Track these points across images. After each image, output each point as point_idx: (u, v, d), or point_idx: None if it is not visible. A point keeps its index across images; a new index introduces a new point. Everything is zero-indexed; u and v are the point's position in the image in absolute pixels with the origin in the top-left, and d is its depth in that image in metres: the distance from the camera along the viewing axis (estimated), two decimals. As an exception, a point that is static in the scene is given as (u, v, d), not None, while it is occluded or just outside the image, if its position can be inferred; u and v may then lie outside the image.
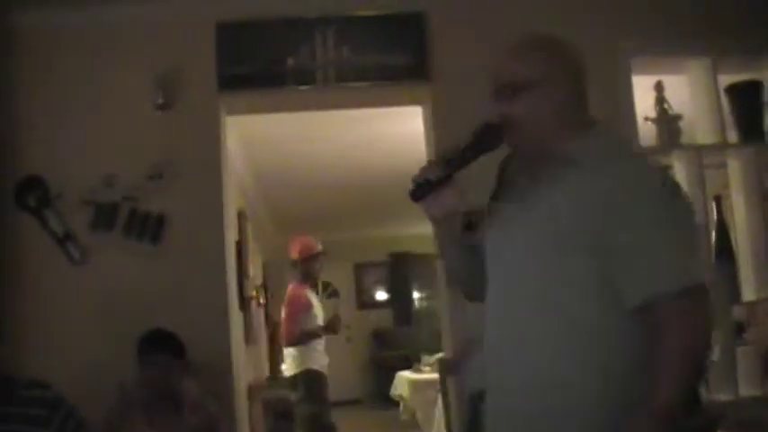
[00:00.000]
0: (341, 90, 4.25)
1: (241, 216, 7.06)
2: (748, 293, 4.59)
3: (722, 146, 4.43)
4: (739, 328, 4.97)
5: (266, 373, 8.71)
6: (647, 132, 4.43)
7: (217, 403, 3.68)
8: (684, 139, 4.50)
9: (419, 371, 8.06)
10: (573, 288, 1.89)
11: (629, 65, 4.31)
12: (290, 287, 6.52)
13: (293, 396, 6.33)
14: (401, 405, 8.05)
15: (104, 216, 4.03)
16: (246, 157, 6.97)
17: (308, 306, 6.35)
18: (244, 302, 6.66)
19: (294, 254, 6.56)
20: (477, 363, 3.85)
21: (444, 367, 4.31)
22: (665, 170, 2.51)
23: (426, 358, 8.14)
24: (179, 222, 4.06)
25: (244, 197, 7.59)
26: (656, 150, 4.46)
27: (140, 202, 4.04)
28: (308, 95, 4.27)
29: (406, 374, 8.23)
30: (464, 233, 2.12)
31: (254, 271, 8.62)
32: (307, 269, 6.53)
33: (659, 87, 4.48)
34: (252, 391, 5.96)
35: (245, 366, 5.50)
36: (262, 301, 9.08)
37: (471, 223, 2.11)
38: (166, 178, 4.05)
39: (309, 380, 6.22)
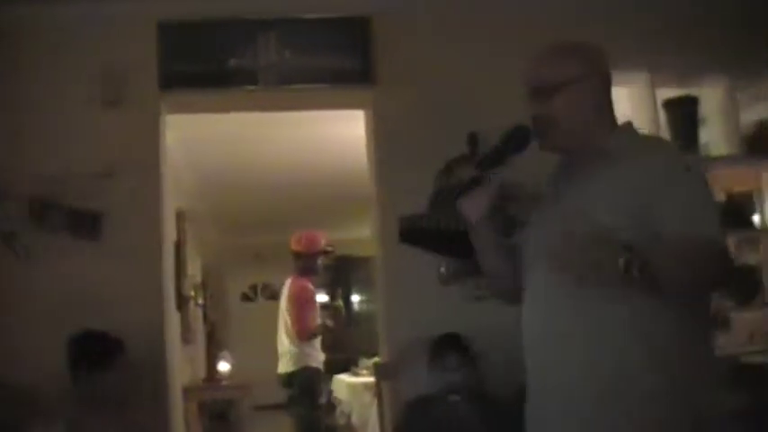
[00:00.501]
0: (283, 92, 4.25)
1: (180, 216, 7.00)
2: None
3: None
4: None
5: (203, 373, 8.64)
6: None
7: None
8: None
9: (357, 374, 8.06)
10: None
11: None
12: (292, 280, 6.46)
13: (287, 394, 6.25)
14: (337, 408, 8.04)
15: (47, 214, 3.97)
16: (189, 156, 6.91)
17: (315, 299, 6.32)
18: (181, 302, 6.60)
19: (300, 247, 6.48)
20: (415, 368, 3.90)
21: (380, 371, 4.32)
22: (688, 158, 2.55)
23: (364, 361, 8.14)
24: (118, 221, 4.02)
25: (185, 197, 7.52)
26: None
27: (81, 200, 3.99)
28: (249, 96, 4.26)
29: (343, 378, 8.22)
30: (503, 234, 2.11)
31: (194, 271, 8.55)
32: (311, 264, 6.46)
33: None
34: (188, 391, 5.90)
35: (182, 366, 5.45)
36: (200, 301, 9.01)
37: (511, 223, 2.09)
38: (107, 176, 4.01)
39: (307, 378, 6.16)
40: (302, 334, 6.18)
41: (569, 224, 1.94)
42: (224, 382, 7.94)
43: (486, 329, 3.98)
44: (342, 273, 13.49)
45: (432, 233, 4.11)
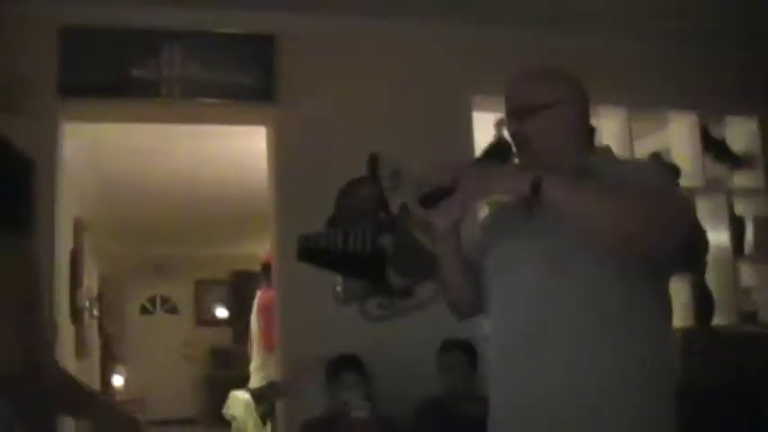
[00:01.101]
0: (185, 105, 4.21)
1: (78, 225, 6.85)
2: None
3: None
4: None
5: (97, 387, 8.45)
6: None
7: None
8: (520, 177, 4.68)
9: (253, 391, 7.98)
10: (613, 287, 1.96)
11: (471, 102, 4.46)
12: (263, 292, 6.37)
13: (259, 410, 6.11)
14: (233, 425, 7.95)
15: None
16: (91, 164, 6.78)
17: None
18: (76, 313, 6.45)
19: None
20: (311, 387, 3.90)
21: (273, 389, 4.31)
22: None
23: (261, 378, 8.06)
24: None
25: (85, 205, 7.37)
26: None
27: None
28: (151, 108, 4.21)
29: (239, 394, 8.13)
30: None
31: (90, 282, 8.37)
32: None
33: (499, 125, 4.65)
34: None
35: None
36: (95, 312, 8.82)
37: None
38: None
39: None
40: (270, 345, 6.11)
41: (564, 242, 1.97)
42: (117, 397, 7.79)
43: (382, 349, 4.03)
44: (243, 288, 13.37)
45: (330, 252, 4.16)
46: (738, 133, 5.38)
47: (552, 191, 1.85)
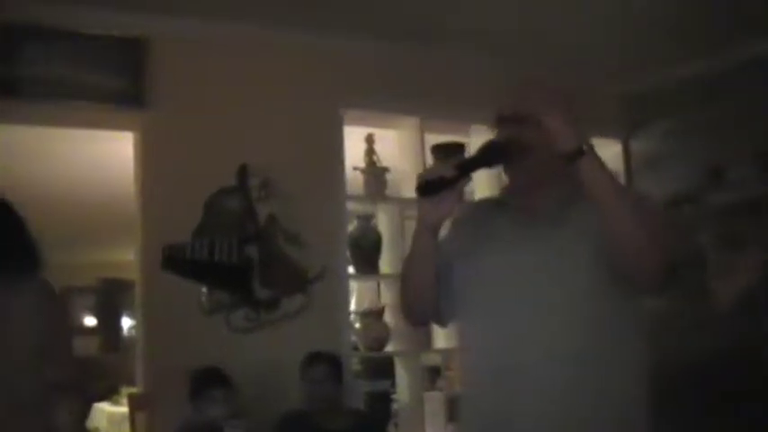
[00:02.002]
0: (48, 107, 4.05)
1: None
2: (440, 341, 4.87)
3: (424, 200, 4.68)
4: (437, 373, 5.27)
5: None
6: (355, 181, 4.60)
7: None
8: (390, 192, 4.72)
9: (118, 403, 7.79)
10: (608, 300, 1.99)
11: (342, 115, 4.47)
12: None
13: None
14: (95, 439, 7.74)
15: None
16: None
17: None
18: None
19: None
20: (174, 400, 3.80)
21: (135, 402, 4.20)
22: None
23: (125, 389, 7.88)
24: None
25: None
26: (362, 200, 4.65)
27: None
28: (10, 108, 4.03)
29: (103, 406, 7.93)
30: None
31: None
32: None
33: (370, 140, 4.68)
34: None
35: None
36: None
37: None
38: None
39: None
40: None
41: (569, 258, 2.00)
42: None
43: (247, 361, 3.98)
44: (111, 295, 13.06)
45: (196, 262, 4.09)
46: (604, 155, 5.53)
47: (588, 166, 1.91)
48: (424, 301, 2.19)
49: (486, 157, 2.07)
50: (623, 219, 1.90)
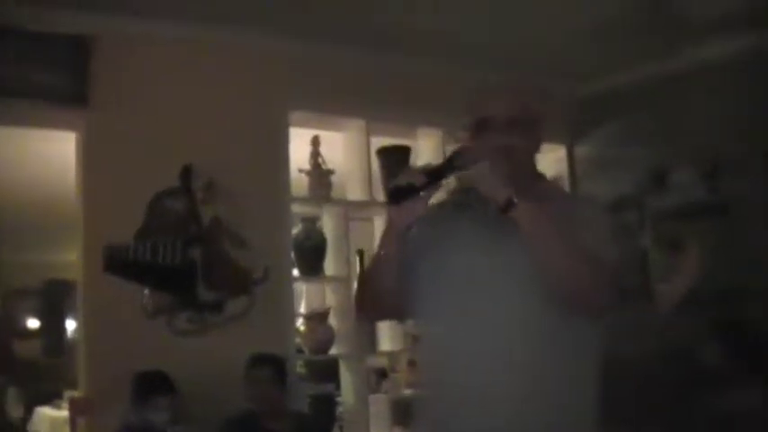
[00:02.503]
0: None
1: None
2: (386, 343, 4.88)
3: (369, 203, 4.68)
4: (382, 375, 5.28)
5: None
6: (300, 183, 4.59)
7: None
8: (335, 194, 4.73)
9: (60, 407, 7.67)
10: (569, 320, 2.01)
11: (288, 117, 4.46)
12: None
13: None
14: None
15: None
16: None
17: None
18: None
19: None
20: (116, 405, 3.76)
21: (76, 406, 4.14)
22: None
23: (68, 393, 7.76)
24: None
25: None
26: (307, 202, 4.64)
27: None
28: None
29: (45, 410, 7.80)
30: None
31: None
32: None
33: (315, 142, 4.68)
34: None
35: None
36: None
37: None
38: None
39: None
40: None
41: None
42: None
43: (191, 364, 3.95)
44: (56, 297, 12.87)
45: (138, 264, 4.05)
46: (549, 159, 5.62)
47: (523, 215, 1.94)
48: (385, 299, 2.23)
49: (456, 164, 2.08)
50: (562, 266, 1.96)
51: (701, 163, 4.86)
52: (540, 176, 2.28)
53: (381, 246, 2.18)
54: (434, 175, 2.05)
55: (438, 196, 2.16)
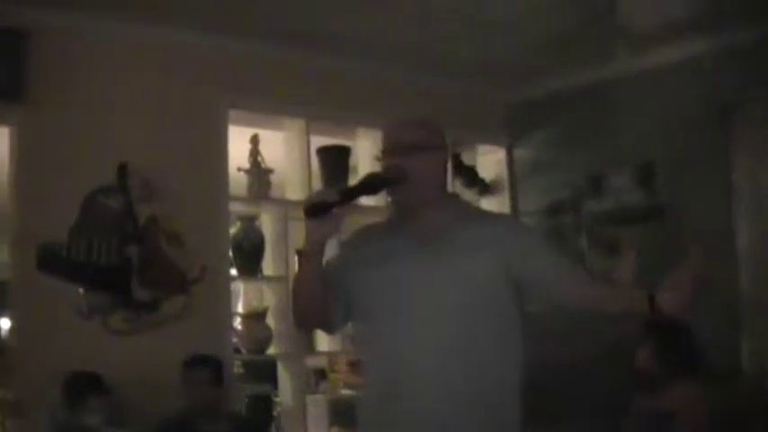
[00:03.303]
0: None
1: None
2: (324, 344, 4.88)
3: (308, 202, 4.67)
4: (322, 376, 5.27)
5: None
6: (239, 182, 4.57)
7: None
8: (274, 193, 4.71)
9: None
10: (496, 314, 2.33)
11: (227, 116, 4.43)
12: None
13: None
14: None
15: None
16: None
17: None
18: None
19: None
20: (48, 407, 3.69)
21: (6, 408, 4.06)
22: None
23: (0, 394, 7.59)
24: None
25: None
26: (246, 201, 4.62)
27: None
28: None
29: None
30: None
31: None
32: None
33: (255, 141, 4.65)
34: None
35: None
36: None
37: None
38: None
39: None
40: None
41: (458, 278, 2.31)
42: None
43: (126, 365, 3.90)
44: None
45: (72, 263, 3.98)
46: (489, 161, 5.69)
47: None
48: (312, 312, 2.44)
49: (367, 186, 2.41)
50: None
51: (637, 168, 4.94)
52: (453, 196, 2.70)
53: (302, 261, 2.41)
54: (347, 195, 2.27)
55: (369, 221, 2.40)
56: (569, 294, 2.38)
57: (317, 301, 2.38)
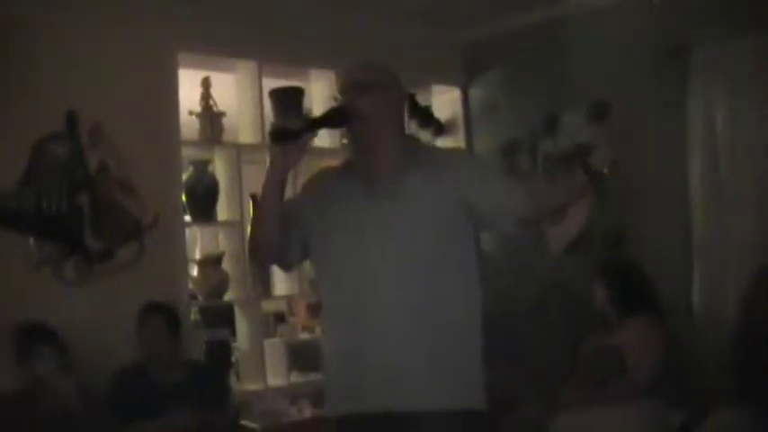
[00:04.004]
0: None
1: None
2: (281, 287, 4.86)
3: (262, 146, 4.59)
4: (280, 320, 5.27)
5: None
6: (190, 126, 4.49)
7: None
8: (227, 137, 4.64)
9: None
10: (451, 252, 2.43)
11: (176, 59, 4.32)
12: None
13: None
14: None
15: None
16: None
17: None
18: None
19: None
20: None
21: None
22: None
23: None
24: None
25: None
26: (198, 145, 4.55)
27: None
28: None
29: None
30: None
31: None
32: None
33: (206, 83, 4.57)
34: None
35: None
36: None
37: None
38: None
39: None
40: None
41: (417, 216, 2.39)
42: None
43: (80, 315, 3.85)
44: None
45: (21, 212, 3.89)
46: (444, 101, 5.66)
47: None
48: (270, 243, 2.51)
49: (330, 119, 2.51)
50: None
51: (590, 107, 4.93)
52: (410, 138, 2.80)
53: (263, 191, 2.45)
54: (311, 125, 2.40)
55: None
56: (518, 205, 2.41)
57: (275, 235, 2.46)
